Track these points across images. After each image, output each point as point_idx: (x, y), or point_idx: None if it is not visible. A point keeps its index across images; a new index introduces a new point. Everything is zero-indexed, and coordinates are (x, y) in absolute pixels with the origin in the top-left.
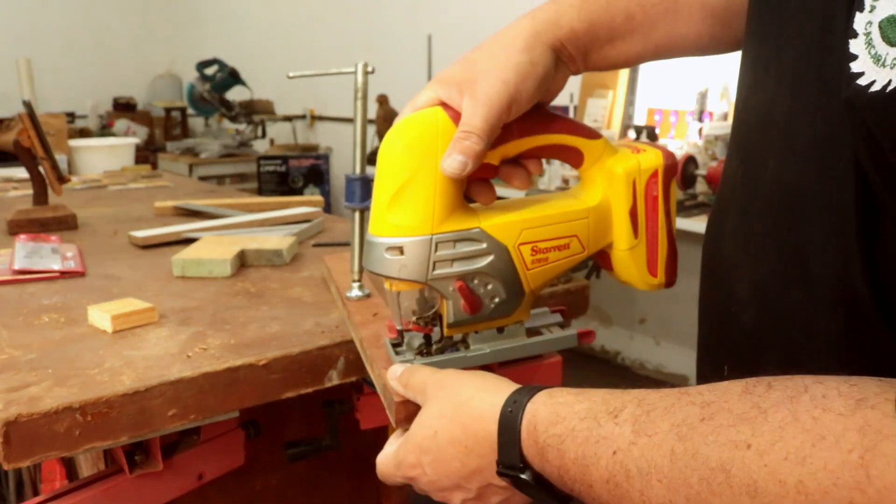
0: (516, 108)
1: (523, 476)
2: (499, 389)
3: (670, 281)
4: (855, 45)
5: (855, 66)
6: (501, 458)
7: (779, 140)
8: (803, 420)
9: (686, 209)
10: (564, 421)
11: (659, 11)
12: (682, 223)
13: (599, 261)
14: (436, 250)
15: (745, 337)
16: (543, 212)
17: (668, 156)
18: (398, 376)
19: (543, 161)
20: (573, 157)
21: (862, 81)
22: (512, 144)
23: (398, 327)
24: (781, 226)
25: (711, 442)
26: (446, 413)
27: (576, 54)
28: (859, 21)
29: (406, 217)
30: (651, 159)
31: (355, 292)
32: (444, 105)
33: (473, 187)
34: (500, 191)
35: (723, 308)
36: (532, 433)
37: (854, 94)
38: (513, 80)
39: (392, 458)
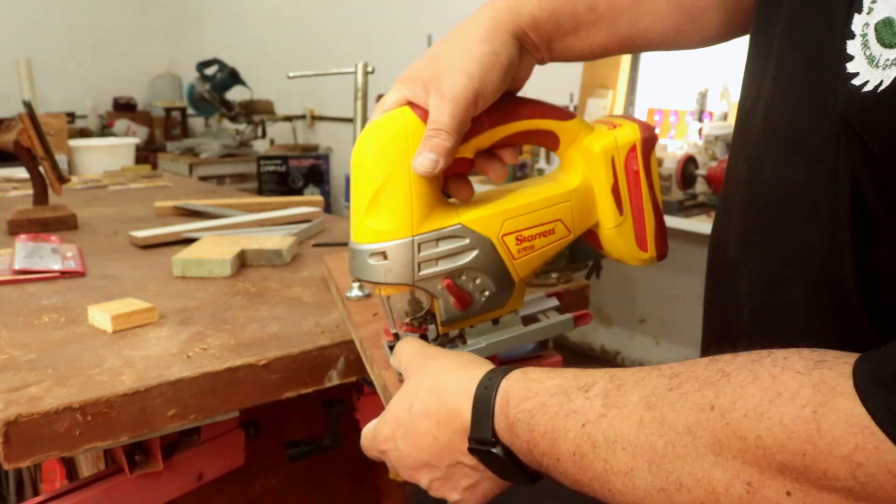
0: (483, 100)
1: (494, 450)
2: (477, 367)
3: (661, 254)
4: (852, 46)
5: (851, 67)
6: (473, 433)
7: (780, 141)
8: (763, 379)
9: (686, 209)
10: (536, 396)
11: (623, 3)
12: (681, 223)
13: (588, 241)
14: (419, 251)
15: (744, 336)
16: (524, 200)
17: (646, 128)
18: (393, 352)
19: (544, 161)
20: (549, 141)
21: (856, 82)
22: (484, 135)
23: (392, 330)
24: (779, 226)
25: (679, 408)
26: (424, 386)
27: (539, 43)
28: (857, 22)
29: (385, 221)
30: (628, 134)
31: (355, 292)
32: (412, 104)
33: (450, 184)
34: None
35: (725, 307)
36: (504, 408)
37: (848, 95)
38: (477, 73)
39: (371, 431)
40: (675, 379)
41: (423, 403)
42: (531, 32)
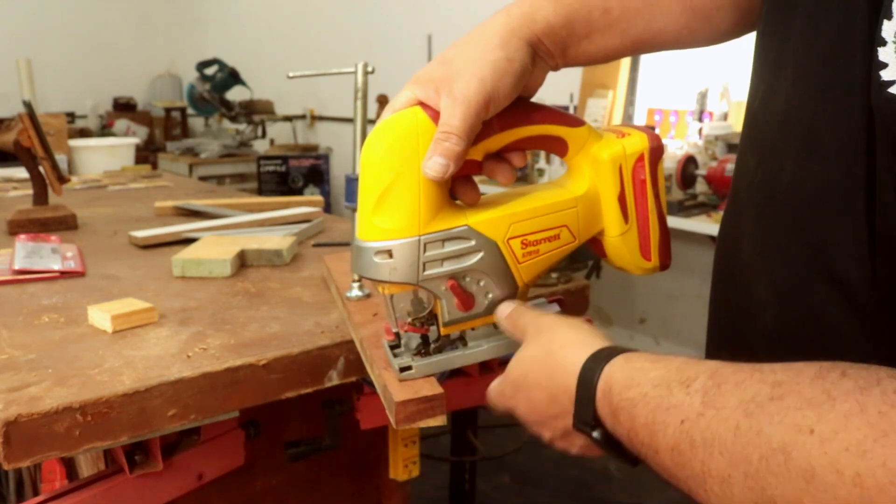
0: (494, 105)
1: (594, 434)
2: (585, 345)
3: (664, 264)
4: (884, 54)
5: (885, 75)
6: (577, 413)
7: (798, 142)
8: (869, 413)
9: (686, 209)
10: (638, 386)
11: (637, 5)
12: (682, 223)
13: (593, 248)
14: (425, 251)
15: (764, 339)
16: (531, 204)
17: (654, 138)
18: (506, 316)
19: (544, 162)
20: (557, 147)
21: (894, 90)
22: (494, 139)
23: (394, 330)
24: (804, 228)
25: (777, 422)
26: (537, 358)
27: (553, 49)
28: (888, 29)
29: (392, 220)
30: (636, 143)
31: (355, 292)
32: (423, 105)
33: (457, 186)
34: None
35: (739, 310)
36: (607, 394)
37: (886, 104)
38: (489, 78)
39: (497, 389)
40: (777, 388)
41: (535, 374)
42: (546, 39)
